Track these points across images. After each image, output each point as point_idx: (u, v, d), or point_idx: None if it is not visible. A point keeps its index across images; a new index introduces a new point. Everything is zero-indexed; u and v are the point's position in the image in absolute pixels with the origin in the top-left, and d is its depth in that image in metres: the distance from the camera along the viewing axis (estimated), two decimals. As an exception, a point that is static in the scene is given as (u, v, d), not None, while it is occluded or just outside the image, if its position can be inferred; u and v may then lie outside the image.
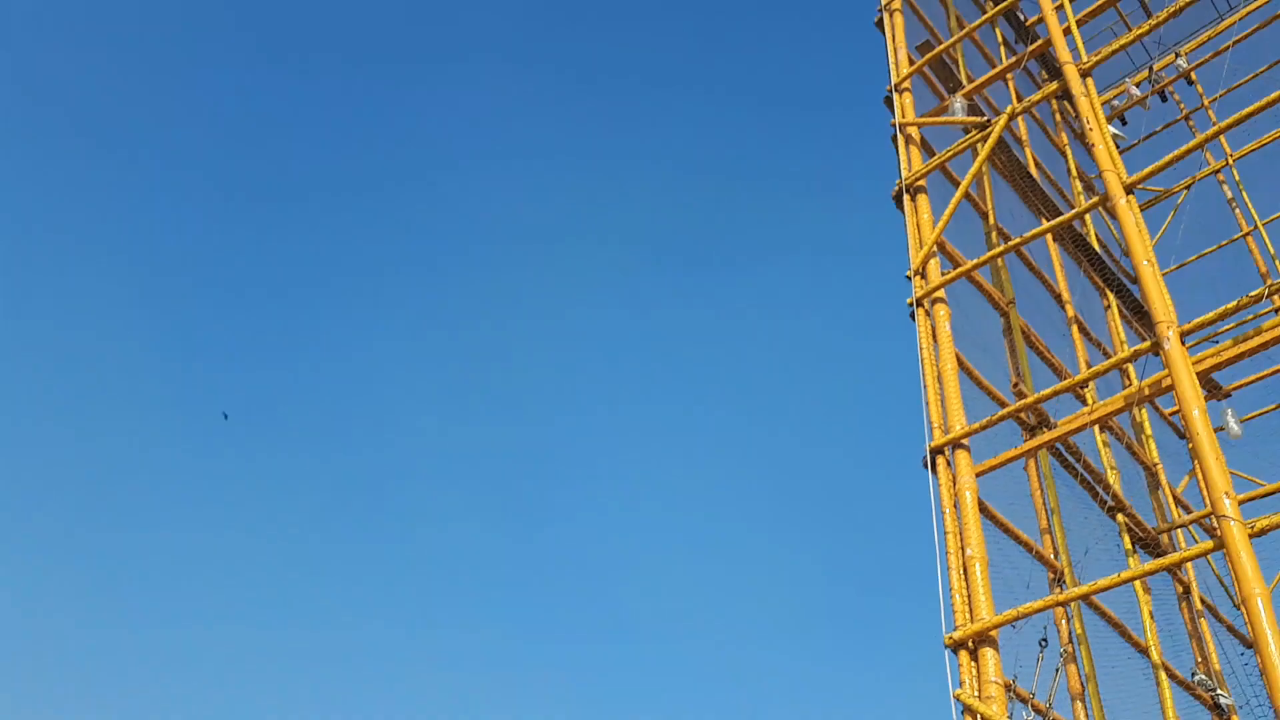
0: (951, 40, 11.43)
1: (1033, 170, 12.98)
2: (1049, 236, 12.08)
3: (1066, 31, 9.22)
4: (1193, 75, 15.48)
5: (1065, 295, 12.16)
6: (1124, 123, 15.97)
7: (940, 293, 8.86)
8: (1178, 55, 15.39)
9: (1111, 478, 10.63)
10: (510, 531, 38.72)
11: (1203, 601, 10.80)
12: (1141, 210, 15.26)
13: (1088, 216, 13.74)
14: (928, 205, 9.69)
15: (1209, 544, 6.31)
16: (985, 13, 14.21)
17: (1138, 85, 15.40)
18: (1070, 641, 8.52)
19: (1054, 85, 9.22)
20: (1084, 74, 8.87)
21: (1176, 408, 11.04)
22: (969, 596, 6.81)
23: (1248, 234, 14.03)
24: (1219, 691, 9.47)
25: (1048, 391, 8.31)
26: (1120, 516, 10.10)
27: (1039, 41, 9.83)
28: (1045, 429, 8.79)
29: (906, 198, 9.69)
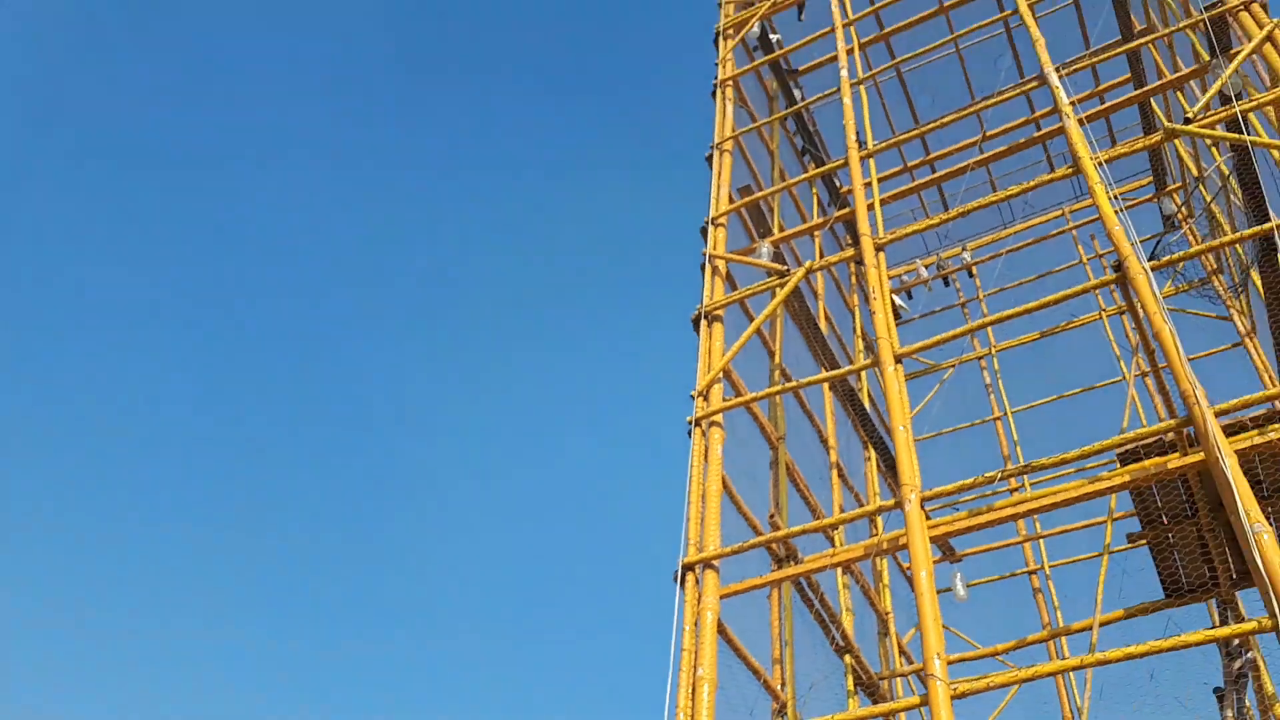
0: (769, 191, 12.23)
1: (822, 322, 13.89)
2: (825, 385, 12.89)
3: (870, 207, 10.06)
4: (973, 269, 17.16)
5: (832, 441, 12.95)
6: (909, 297, 17.42)
7: (719, 417, 9.27)
8: (964, 248, 17.15)
9: (846, 619, 11.20)
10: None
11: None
12: (912, 379, 16.74)
13: (863, 373, 14.75)
14: (721, 334, 10.19)
15: (915, 699, 6.74)
16: (806, 171, 15.31)
17: (926, 267, 16.93)
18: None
19: (850, 252, 10.02)
20: (878, 248, 9.68)
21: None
22: (693, 717, 6.96)
23: (998, 418, 15.41)
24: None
25: (798, 528, 8.76)
26: (848, 658, 10.62)
27: (845, 210, 10.69)
28: (793, 562, 9.22)
29: (704, 323, 10.16)
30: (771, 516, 9.64)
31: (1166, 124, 9.59)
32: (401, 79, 41.87)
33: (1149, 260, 8.43)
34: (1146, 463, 7.49)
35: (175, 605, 34.79)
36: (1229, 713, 9.02)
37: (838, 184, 15.66)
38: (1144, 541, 8.65)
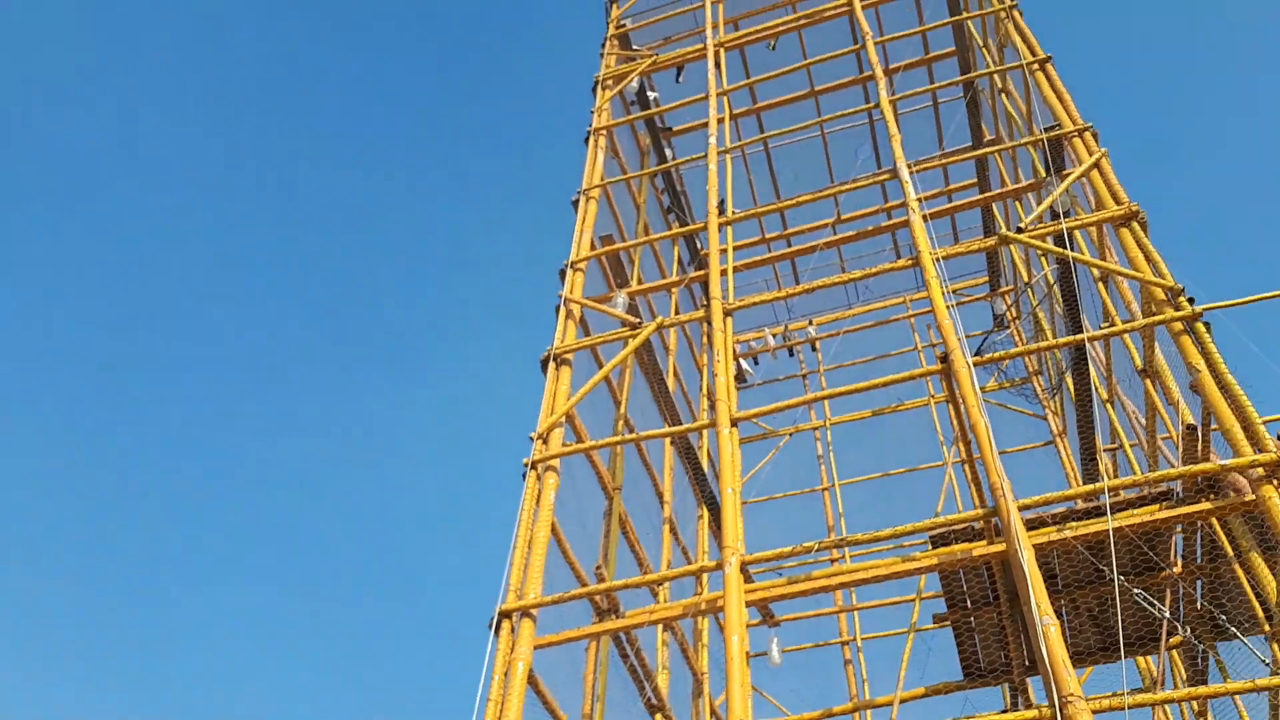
0: (631, 244, 12.43)
1: (670, 378, 14.12)
2: (667, 440, 13.06)
3: (724, 272, 10.34)
4: (817, 344, 17.85)
5: (667, 496, 13.10)
6: (756, 362, 17.92)
7: (556, 462, 9.24)
8: (810, 323, 17.85)
9: (662, 677, 11.26)
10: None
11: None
12: (751, 442, 17.18)
13: (705, 432, 15.00)
14: (569, 378, 10.20)
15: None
16: (670, 229, 15.63)
17: (774, 336, 17.51)
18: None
19: (702, 313, 10.26)
20: (727, 312, 9.93)
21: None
22: (493, 766, 6.84)
23: (826, 489, 15.94)
24: None
25: (620, 582, 8.79)
26: (659, 716, 10.66)
27: (701, 272, 10.95)
28: (614, 616, 9.22)
29: (552, 365, 10.16)
30: (598, 568, 9.64)
31: (1002, 230, 10.26)
32: (256, 102, 40.29)
33: (974, 355, 8.96)
34: (955, 547, 7.87)
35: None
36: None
37: (699, 245, 16.03)
38: (948, 623, 9.03)
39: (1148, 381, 9.46)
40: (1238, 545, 7.79)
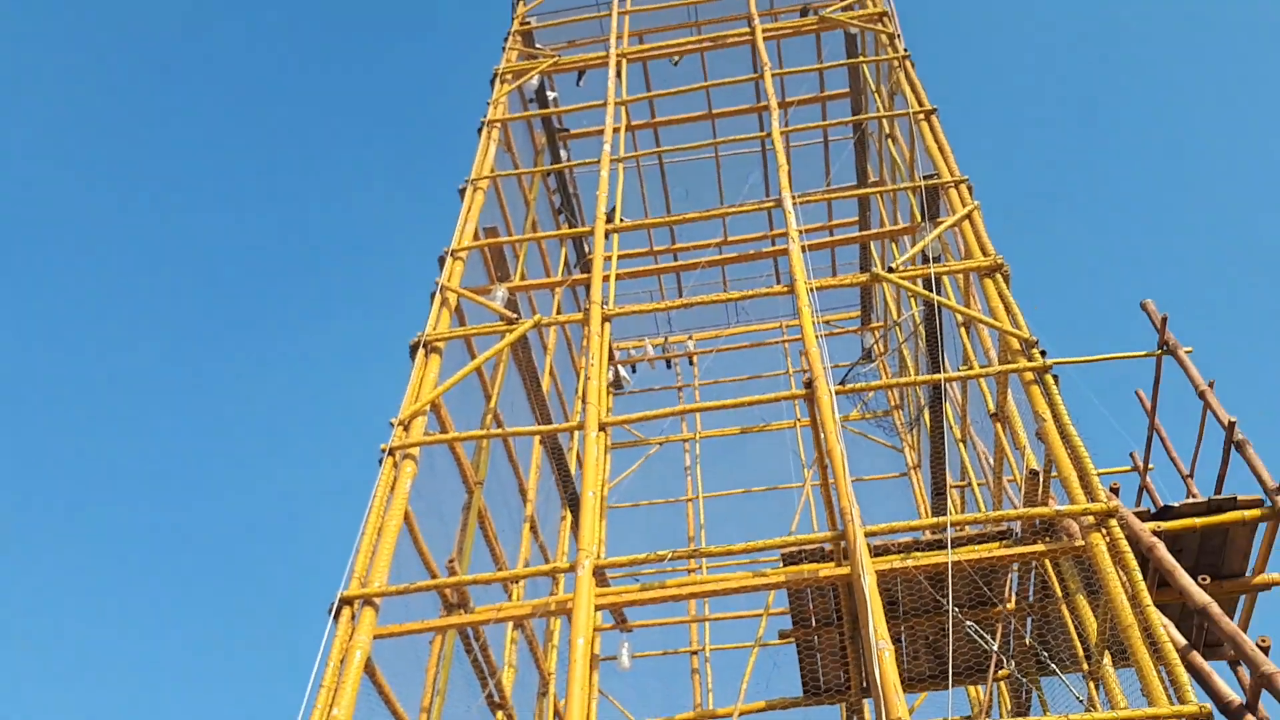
0: (515, 239, 12.38)
1: (546, 377, 14.07)
2: (536, 439, 13.02)
3: (607, 279, 10.39)
4: (694, 358, 18.12)
5: (531, 495, 13.05)
6: (634, 370, 18.04)
7: (415, 451, 9.07)
8: (690, 337, 18.11)
9: (508, 675, 11.18)
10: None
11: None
12: (622, 448, 17.29)
13: (576, 435, 15.00)
14: (438, 366, 10.05)
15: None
16: (559, 229, 15.62)
17: (654, 347, 17.70)
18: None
19: (580, 316, 10.28)
20: (606, 318, 9.98)
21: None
22: (320, 756, 6.66)
23: (690, 500, 16.15)
24: None
25: (470, 577, 8.71)
26: (500, 714, 10.58)
27: (585, 276, 10.98)
28: (463, 611, 9.12)
29: (421, 352, 9.99)
30: (451, 562, 9.51)
31: (876, 269, 10.65)
32: (147, 79, 38.21)
33: (838, 384, 9.25)
34: (804, 567, 8.07)
35: None
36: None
37: (586, 249, 16.07)
38: (793, 639, 9.25)
39: (998, 425, 9.93)
40: (1066, 587, 8.25)
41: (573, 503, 13.41)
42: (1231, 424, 8.37)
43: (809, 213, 15.35)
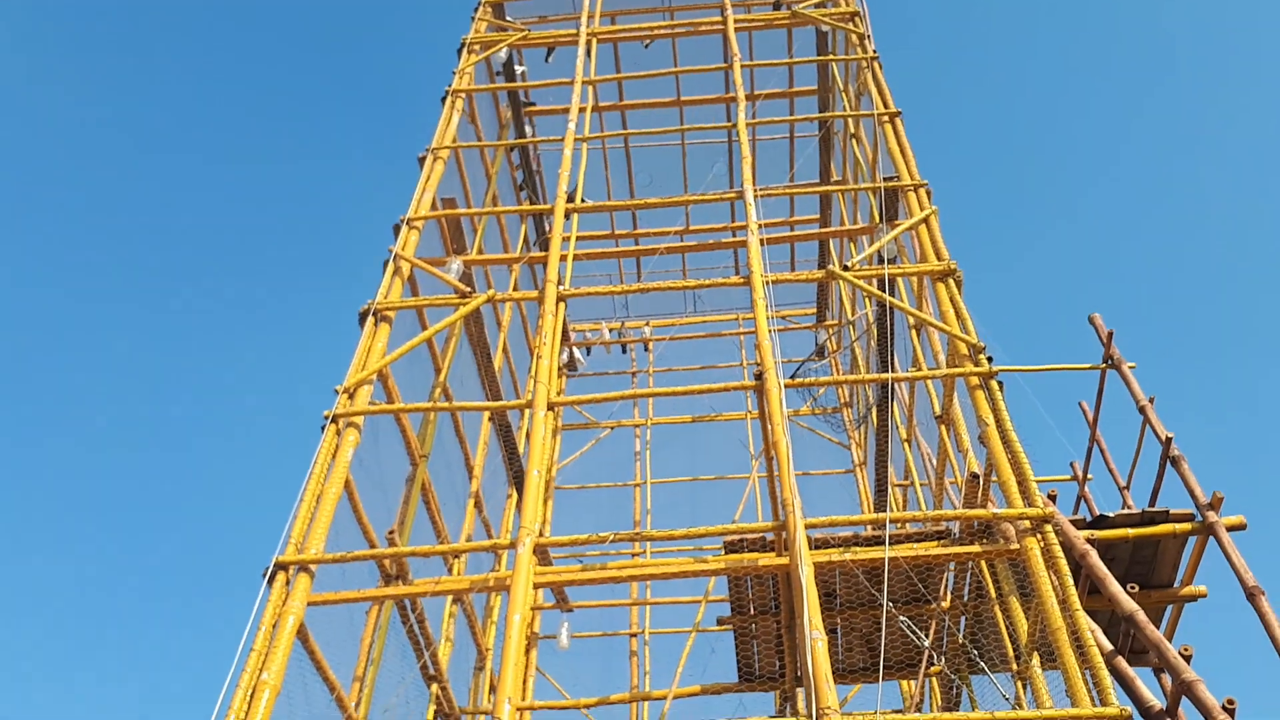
0: (473, 211, 12.27)
1: (499, 354, 13.99)
2: (486, 415, 12.95)
3: (564, 258, 10.34)
4: (650, 345, 18.12)
5: (477, 471, 12.97)
6: (588, 353, 17.99)
7: (359, 420, 8.97)
8: (647, 324, 18.12)
9: (445, 649, 11.13)
10: None
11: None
12: (573, 430, 17.25)
13: (527, 413, 14.93)
14: (387, 335, 9.93)
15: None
16: (519, 205, 15.50)
17: (610, 330, 17.66)
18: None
19: (536, 294, 10.23)
20: (561, 298, 9.93)
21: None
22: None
23: (638, 485, 16.18)
24: None
25: (409, 549, 8.66)
26: (435, 687, 10.54)
27: (543, 254, 10.91)
28: (401, 583, 9.05)
29: (371, 320, 9.86)
30: (390, 533, 9.43)
31: (832, 267, 10.72)
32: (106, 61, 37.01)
33: (788, 378, 9.30)
34: (744, 555, 8.14)
35: None
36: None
37: (546, 228, 15.98)
38: (731, 626, 9.32)
39: (942, 427, 10.06)
40: (1000, 588, 8.39)
41: (519, 480, 13.36)
42: (1168, 440, 8.55)
43: (771, 207, 15.36)
